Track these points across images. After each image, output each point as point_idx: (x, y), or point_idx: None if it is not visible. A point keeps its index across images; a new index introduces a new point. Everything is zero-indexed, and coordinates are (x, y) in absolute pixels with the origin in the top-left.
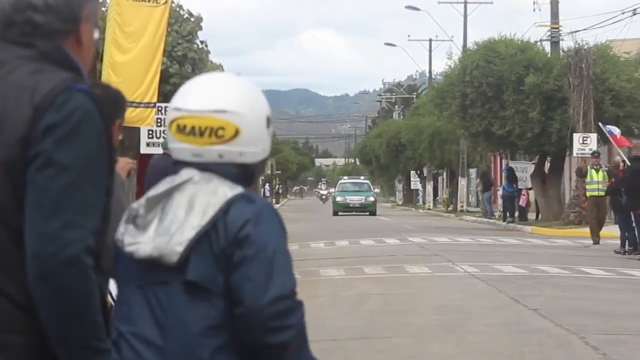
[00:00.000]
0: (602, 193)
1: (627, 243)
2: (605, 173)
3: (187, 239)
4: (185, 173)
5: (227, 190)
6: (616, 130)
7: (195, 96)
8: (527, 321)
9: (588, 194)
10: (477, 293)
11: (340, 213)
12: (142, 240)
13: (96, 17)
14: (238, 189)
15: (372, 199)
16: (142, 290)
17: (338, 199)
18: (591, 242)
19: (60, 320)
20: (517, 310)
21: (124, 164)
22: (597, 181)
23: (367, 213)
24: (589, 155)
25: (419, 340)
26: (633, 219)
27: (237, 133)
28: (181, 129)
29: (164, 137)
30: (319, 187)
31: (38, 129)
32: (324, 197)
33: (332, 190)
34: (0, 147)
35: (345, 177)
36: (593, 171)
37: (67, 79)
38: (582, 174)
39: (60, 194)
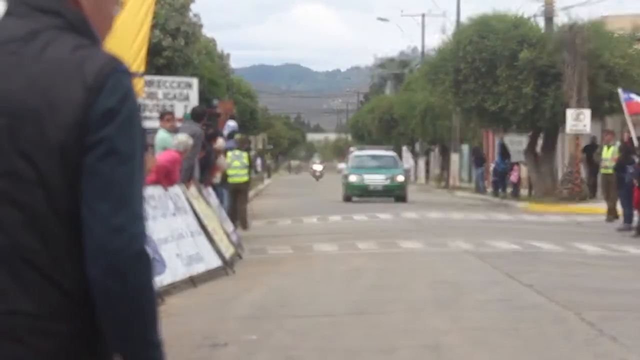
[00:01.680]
0: (609, 170)
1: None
2: (615, 149)
3: None
4: None
5: None
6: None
7: None
8: (522, 297)
9: (602, 171)
10: (471, 269)
11: (355, 198)
12: None
13: None
14: None
15: (401, 178)
16: None
17: (352, 178)
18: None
19: (128, 316)
20: (511, 286)
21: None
22: (606, 158)
23: (393, 198)
24: (584, 132)
25: (414, 315)
26: None
27: None
28: None
29: (156, 111)
30: (314, 161)
31: (96, 113)
32: (317, 173)
33: (342, 165)
34: (55, 130)
35: (363, 149)
36: (605, 148)
37: (112, 58)
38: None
39: (126, 184)
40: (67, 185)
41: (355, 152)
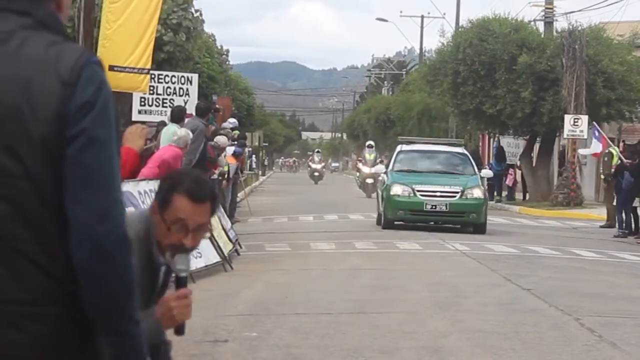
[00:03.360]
0: (601, 176)
1: (618, 225)
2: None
3: None
4: None
5: None
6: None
7: None
8: (521, 301)
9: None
10: (469, 271)
11: (399, 222)
12: None
13: None
14: None
15: (478, 192)
16: None
17: (397, 190)
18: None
19: (114, 296)
20: (510, 290)
21: (139, 130)
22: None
23: (459, 224)
24: (581, 137)
25: (413, 316)
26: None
27: None
28: None
29: (156, 106)
30: (312, 159)
31: (73, 106)
32: (316, 173)
33: (380, 168)
34: (36, 124)
35: (414, 142)
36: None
37: (84, 50)
38: None
39: (107, 171)
40: (52, 176)
41: (402, 147)
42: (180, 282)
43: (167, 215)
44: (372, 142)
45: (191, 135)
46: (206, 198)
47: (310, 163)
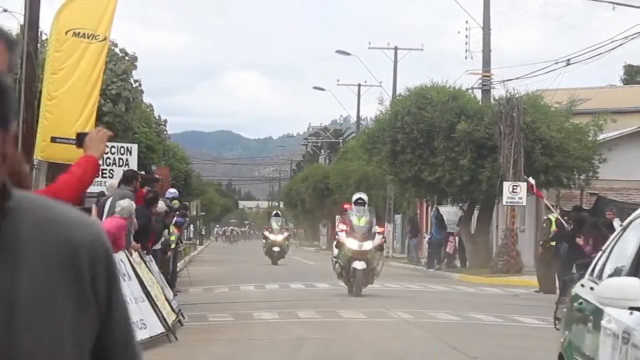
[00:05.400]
0: (540, 242)
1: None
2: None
3: None
4: None
5: None
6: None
7: None
8: None
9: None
10: (414, 340)
11: None
12: None
13: None
14: None
15: None
16: None
17: None
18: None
19: None
20: (457, 358)
21: (100, 134)
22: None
23: None
24: (520, 204)
25: None
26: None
27: None
28: None
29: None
30: (269, 227)
31: None
32: (276, 249)
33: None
34: None
35: None
36: None
37: None
38: None
39: None
40: None
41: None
42: None
43: None
44: (363, 196)
45: (134, 205)
46: None
47: (266, 233)
